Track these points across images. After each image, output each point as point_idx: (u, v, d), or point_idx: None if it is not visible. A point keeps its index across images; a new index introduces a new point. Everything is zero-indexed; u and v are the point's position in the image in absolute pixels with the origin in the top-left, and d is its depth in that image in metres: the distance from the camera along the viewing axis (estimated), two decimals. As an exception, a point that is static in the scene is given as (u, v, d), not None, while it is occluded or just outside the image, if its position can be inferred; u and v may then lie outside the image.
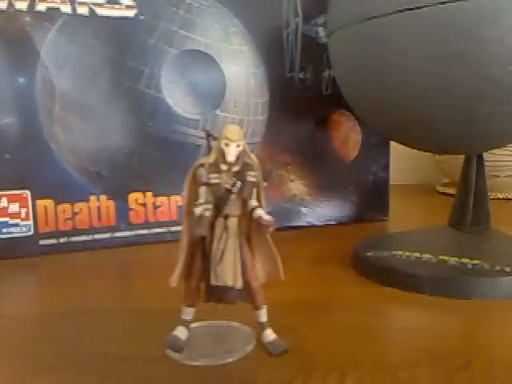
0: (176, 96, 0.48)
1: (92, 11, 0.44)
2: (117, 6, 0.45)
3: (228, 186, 0.23)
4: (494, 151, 0.70)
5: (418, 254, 0.36)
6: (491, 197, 0.71)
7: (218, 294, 0.23)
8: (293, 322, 0.25)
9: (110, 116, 0.46)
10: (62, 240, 0.45)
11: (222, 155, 0.23)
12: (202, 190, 0.23)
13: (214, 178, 0.23)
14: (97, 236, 0.47)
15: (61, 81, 0.44)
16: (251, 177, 0.23)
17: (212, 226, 0.23)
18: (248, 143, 0.50)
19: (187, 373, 0.23)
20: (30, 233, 0.44)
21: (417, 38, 0.30)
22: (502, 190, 0.75)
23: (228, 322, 0.27)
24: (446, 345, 0.25)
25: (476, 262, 0.34)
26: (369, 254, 0.37)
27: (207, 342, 0.26)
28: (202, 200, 0.23)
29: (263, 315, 0.25)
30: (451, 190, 0.75)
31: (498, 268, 0.33)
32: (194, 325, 0.25)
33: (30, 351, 0.26)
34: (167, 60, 0.47)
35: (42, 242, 0.45)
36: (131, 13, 0.46)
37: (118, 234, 0.47)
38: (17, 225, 0.44)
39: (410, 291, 0.32)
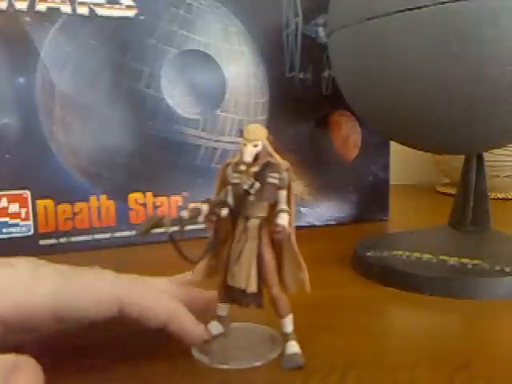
0: (176, 96, 0.48)
1: (92, 11, 0.44)
2: (117, 6, 0.45)
3: (246, 187, 0.22)
4: (493, 151, 0.69)
5: (418, 254, 0.36)
6: (491, 197, 0.71)
7: (233, 295, 0.23)
8: (293, 322, 0.25)
9: (110, 116, 0.46)
10: (61, 240, 0.45)
11: (241, 155, 0.22)
12: (227, 188, 0.23)
13: (235, 178, 0.23)
14: (97, 236, 0.47)
15: (61, 81, 0.44)
16: (272, 178, 0.22)
17: (234, 226, 0.23)
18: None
19: (189, 372, 0.23)
20: (30, 233, 0.44)
21: (417, 38, 0.30)
22: (502, 190, 0.74)
23: (262, 326, 0.26)
24: (446, 345, 0.25)
25: (476, 261, 0.34)
26: (369, 253, 0.37)
27: (237, 344, 0.25)
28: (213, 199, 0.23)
29: (287, 325, 0.23)
30: (451, 190, 0.75)
31: (498, 268, 0.33)
32: (232, 325, 0.25)
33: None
34: (167, 60, 0.47)
35: (41, 242, 0.45)
36: (131, 13, 0.46)
37: (117, 234, 0.47)
38: (17, 225, 0.44)
39: (410, 291, 0.32)
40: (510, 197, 0.74)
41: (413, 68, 0.31)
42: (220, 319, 0.25)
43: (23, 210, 0.44)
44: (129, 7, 0.46)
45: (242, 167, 0.22)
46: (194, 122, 0.49)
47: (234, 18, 0.50)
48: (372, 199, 0.57)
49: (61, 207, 0.45)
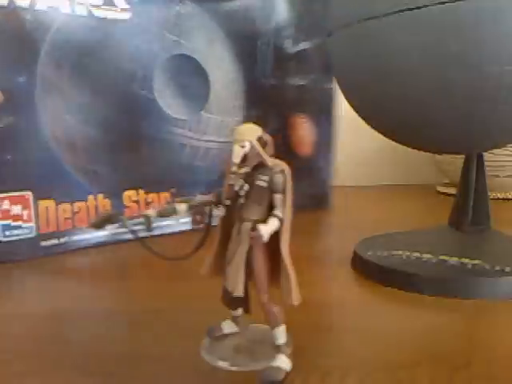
0: (166, 98, 0.50)
1: (90, 12, 0.44)
2: (113, 9, 0.46)
3: (236, 188, 0.22)
4: (493, 151, 0.69)
5: (418, 254, 0.36)
6: (491, 197, 0.71)
7: (227, 297, 0.23)
8: (292, 322, 0.25)
9: (107, 116, 0.47)
10: (62, 240, 0.45)
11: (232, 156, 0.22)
12: (222, 189, 0.23)
13: (230, 179, 0.22)
14: (96, 234, 0.47)
15: (60, 80, 0.44)
16: (260, 181, 0.21)
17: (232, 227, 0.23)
18: (225, 142, 0.53)
19: (190, 372, 0.23)
20: (32, 234, 0.44)
21: (417, 38, 0.30)
22: (502, 190, 0.74)
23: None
24: (446, 345, 0.25)
25: (476, 262, 0.34)
26: (369, 253, 0.37)
27: (251, 346, 0.25)
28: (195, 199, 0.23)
29: (278, 337, 0.22)
30: (451, 190, 0.75)
31: (498, 268, 0.33)
32: (249, 326, 0.26)
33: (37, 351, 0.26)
34: (159, 63, 0.49)
35: (43, 244, 0.44)
36: (126, 16, 0.47)
37: (114, 231, 0.47)
38: (19, 227, 0.43)
39: (410, 291, 0.32)
40: (510, 197, 0.74)
41: (412, 68, 0.31)
42: (233, 319, 0.25)
43: (25, 212, 0.43)
44: (123, 10, 0.47)
45: (234, 168, 0.22)
46: (182, 122, 0.51)
47: (216, 26, 0.53)
48: (318, 191, 0.63)
49: (61, 207, 0.45)
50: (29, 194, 0.43)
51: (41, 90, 0.43)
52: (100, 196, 0.47)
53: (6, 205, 0.42)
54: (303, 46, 0.59)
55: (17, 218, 0.43)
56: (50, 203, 0.44)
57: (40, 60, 0.43)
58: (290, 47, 0.58)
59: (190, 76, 0.51)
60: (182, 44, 0.51)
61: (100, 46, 0.46)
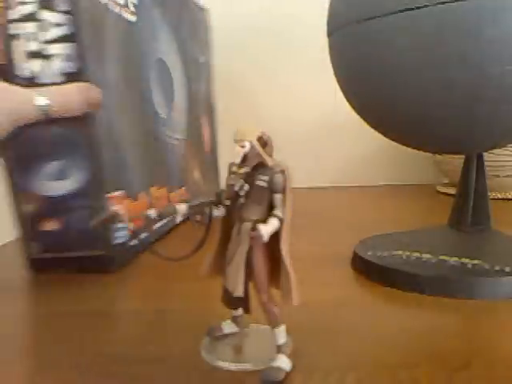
0: (156, 98, 0.53)
1: (120, 11, 0.44)
2: (127, 10, 0.46)
3: (236, 189, 0.22)
4: (494, 151, 0.69)
5: (418, 254, 0.36)
6: (491, 197, 0.71)
7: (227, 297, 0.23)
8: (292, 323, 0.25)
9: (131, 115, 0.47)
10: (138, 238, 0.45)
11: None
12: (222, 189, 0.23)
13: (230, 179, 0.23)
14: (154, 228, 0.47)
15: (112, 77, 0.43)
16: (260, 181, 0.21)
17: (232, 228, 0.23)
18: (180, 139, 0.54)
19: (190, 372, 0.23)
20: (128, 236, 0.42)
21: (417, 38, 0.30)
22: (502, 190, 0.74)
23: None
24: (446, 345, 0.25)
25: (476, 262, 0.34)
26: (369, 253, 0.37)
27: (250, 346, 0.25)
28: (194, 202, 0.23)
29: (278, 337, 0.22)
30: (451, 190, 0.75)
31: (497, 268, 0.33)
32: (249, 326, 0.26)
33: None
34: (152, 65, 0.52)
35: (130, 243, 0.43)
36: (134, 18, 0.47)
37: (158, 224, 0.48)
38: (122, 228, 0.41)
39: (410, 291, 0.33)
40: (510, 197, 0.74)
41: (412, 68, 0.31)
42: (233, 319, 0.25)
43: (124, 212, 0.40)
44: (132, 13, 0.47)
45: (234, 168, 0.22)
46: (164, 120, 0.55)
47: (171, 35, 0.57)
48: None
49: (132, 205, 0.44)
50: (123, 194, 0.42)
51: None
52: (143, 192, 0.47)
53: (115, 206, 0.40)
54: (203, 59, 0.70)
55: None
56: (129, 202, 0.43)
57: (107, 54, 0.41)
58: (200, 58, 0.68)
59: (166, 78, 0.56)
60: (160, 49, 0.54)
61: (127, 46, 0.46)
